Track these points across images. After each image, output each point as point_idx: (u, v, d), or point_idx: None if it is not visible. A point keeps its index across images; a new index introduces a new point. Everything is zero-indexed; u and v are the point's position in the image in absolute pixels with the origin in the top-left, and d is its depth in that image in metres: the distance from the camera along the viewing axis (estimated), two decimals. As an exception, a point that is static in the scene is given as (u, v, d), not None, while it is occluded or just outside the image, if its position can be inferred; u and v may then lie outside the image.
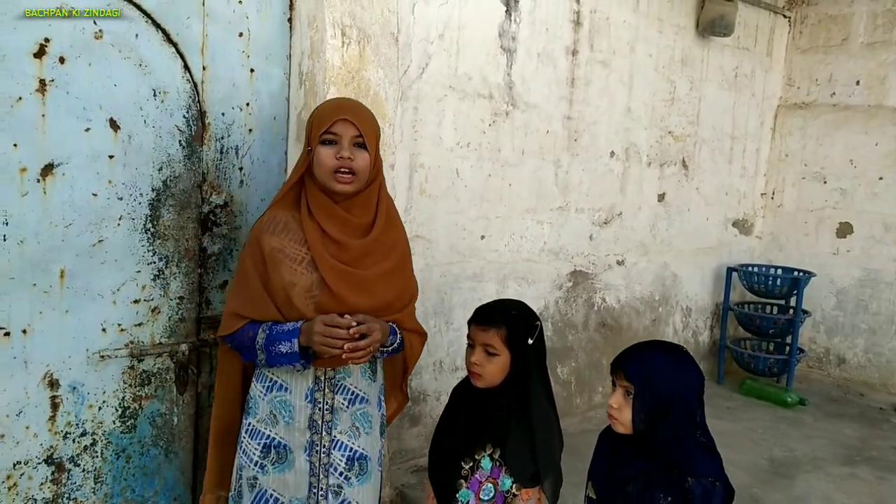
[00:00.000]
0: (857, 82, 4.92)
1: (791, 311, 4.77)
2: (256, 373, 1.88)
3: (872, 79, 4.85)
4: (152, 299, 2.21)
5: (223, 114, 2.30)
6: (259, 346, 1.75)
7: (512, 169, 3.33)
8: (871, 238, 4.91)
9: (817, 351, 5.16)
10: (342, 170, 1.76)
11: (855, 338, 5.04)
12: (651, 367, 1.71)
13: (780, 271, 4.92)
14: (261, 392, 1.85)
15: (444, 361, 3.18)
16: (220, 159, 2.32)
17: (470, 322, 1.99)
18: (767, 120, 5.28)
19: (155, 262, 2.20)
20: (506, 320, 1.93)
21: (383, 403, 2.03)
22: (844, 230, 5.04)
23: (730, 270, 4.91)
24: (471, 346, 1.98)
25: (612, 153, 3.92)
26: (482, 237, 3.25)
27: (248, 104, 2.36)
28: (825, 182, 5.11)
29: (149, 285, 2.19)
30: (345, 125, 1.78)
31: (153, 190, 2.17)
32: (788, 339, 4.78)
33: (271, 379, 1.84)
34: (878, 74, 4.82)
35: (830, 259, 5.09)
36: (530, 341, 1.95)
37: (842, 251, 5.05)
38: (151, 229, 2.18)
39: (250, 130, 2.38)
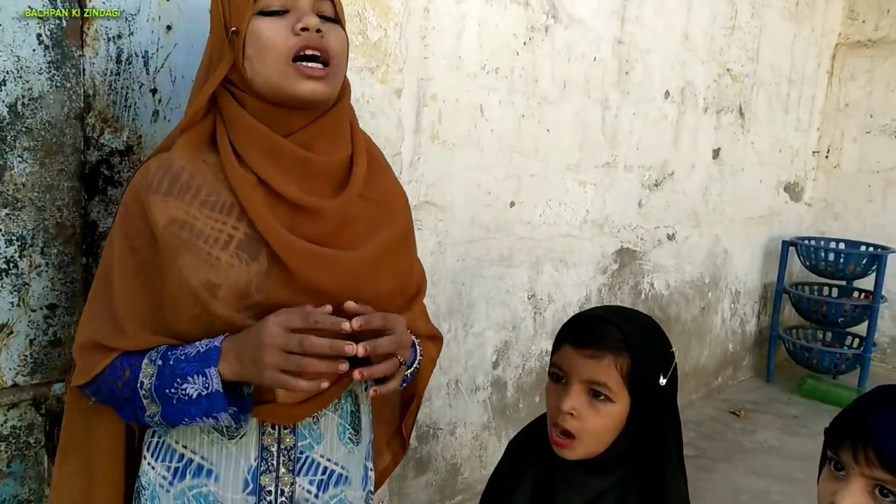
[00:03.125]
0: (943, 13, 4.21)
1: (861, 294, 4.09)
2: (149, 442, 1.12)
3: (963, 8, 4.14)
4: (-3, 312, 1.34)
5: (120, -5, 1.42)
6: (147, 392, 0.99)
7: (551, 108, 2.50)
8: (955, 204, 4.25)
9: (881, 341, 4.50)
10: (307, 51, 1.00)
11: (930, 325, 4.41)
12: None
13: (841, 245, 4.23)
14: (162, 478, 1.09)
15: (462, 380, 2.37)
16: (118, 73, 1.44)
17: (563, 341, 1.19)
18: (825, 61, 4.54)
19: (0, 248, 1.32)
20: (629, 344, 1.14)
21: (370, 472, 1.26)
22: (920, 195, 4.37)
23: (785, 244, 4.19)
24: (558, 382, 1.18)
25: (667, 93, 3.11)
26: (511, 204, 2.43)
27: (163, -18, 1.48)
28: (897, 136, 4.42)
29: (-11, 288, 1.32)
30: None
31: (-9, 120, 1.29)
32: (855, 328, 4.11)
33: (179, 454, 1.08)
34: (971, 2, 4.11)
35: (901, 230, 4.42)
36: (663, 381, 1.18)
37: (916, 221, 4.39)
38: (-10, 190, 1.30)
39: (169, 27, 1.50)
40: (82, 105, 1.39)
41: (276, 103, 1.02)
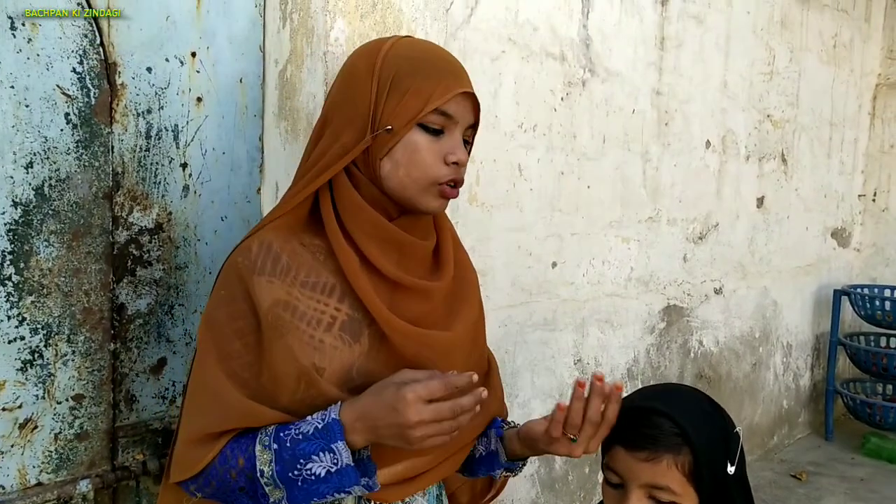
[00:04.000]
0: None
1: (922, 344, 3.90)
2: None
3: None
4: (20, 405, 1.26)
5: (149, 69, 1.39)
6: (269, 480, 0.94)
7: (590, 164, 2.42)
8: None
9: (946, 392, 4.25)
10: (450, 183, 1.04)
11: None
12: None
13: (897, 293, 4.05)
14: None
15: (508, 454, 2.23)
16: (147, 149, 1.40)
17: (613, 441, 1.09)
18: (865, 103, 4.43)
19: (24, 337, 1.26)
20: (687, 437, 1.03)
21: None
22: (977, 238, 4.18)
23: (837, 294, 4.02)
24: (615, 487, 1.08)
25: (708, 143, 3.03)
26: (553, 264, 2.33)
27: (193, 54, 1.45)
28: (947, 178, 4.26)
29: (12, 380, 1.25)
30: (465, 104, 1.05)
31: (15, 204, 1.24)
32: (917, 381, 3.90)
33: None
34: None
35: (959, 275, 4.23)
36: (731, 469, 1.06)
37: (974, 265, 4.19)
38: (14, 276, 1.24)
39: (199, 99, 1.46)
40: (111, 184, 1.34)
41: (392, 199, 1.04)
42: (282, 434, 0.95)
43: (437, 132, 1.02)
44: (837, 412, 4.17)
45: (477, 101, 1.06)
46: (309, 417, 0.95)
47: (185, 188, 1.46)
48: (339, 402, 0.96)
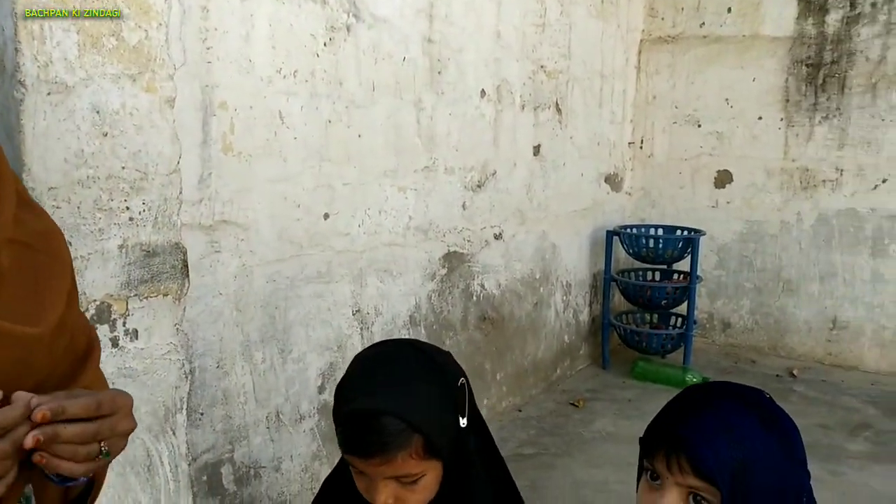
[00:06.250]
0: (729, 9, 4.55)
1: (679, 276, 4.35)
2: None
3: (745, 5, 4.49)
4: None
5: None
6: None
7: (360, 112, 2.38)
8: (753, 186, 4.61)
9: (700, 317, 4.82)
10: None
11: (739, 299, 4.76)
12: (748, 448, 0.98)
13: (659, 231, 4.48)
14: None
15: (283, 411, 2.19)
16: None
17: (346, 452, 1.07)
18: (632, 56, 4.79)
19: None
20: (414, 426, 1.02)
21: None
22: (723, 179, 4.70)
23: (609, 234, 4.37)
24: (361, 474, 1.08)
25: (483, 92, 3.10)
26: (326, 216, 2.29)
27: None
28: (699, 126, 4.73)
29: None
30: None
31: None
32: (677, 309, 4.36)
33: None
34: (752, -1, 4.47)
35: (709, 213, 4.75)
36: (464, 421, 1.11)
37: (721, 203, 4.72)
38: None
39: None
40: None
41: None
42: None
43: None
44: (613, 343, 4.57)
45: None
46: None
47: None
48: None
